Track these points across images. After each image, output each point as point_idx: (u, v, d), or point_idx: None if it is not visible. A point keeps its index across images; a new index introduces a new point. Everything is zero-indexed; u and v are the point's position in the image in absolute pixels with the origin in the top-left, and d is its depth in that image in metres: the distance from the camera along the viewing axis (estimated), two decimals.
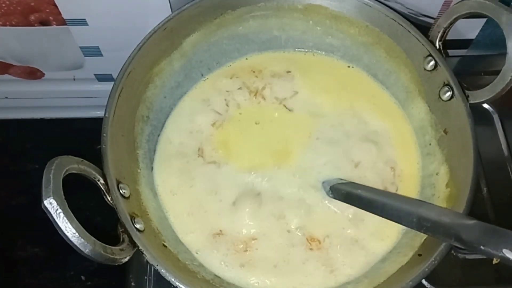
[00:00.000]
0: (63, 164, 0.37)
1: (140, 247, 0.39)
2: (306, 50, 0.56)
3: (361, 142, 0.51)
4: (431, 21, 0.55)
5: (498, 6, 0.42)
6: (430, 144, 0.49)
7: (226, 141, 0.51)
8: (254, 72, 0.55)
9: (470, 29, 0.57)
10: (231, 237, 0.47)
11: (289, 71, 0.55)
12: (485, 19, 0.55)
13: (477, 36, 0.58)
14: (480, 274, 0.51)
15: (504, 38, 0.41)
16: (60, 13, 0.52)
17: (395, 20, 0.49)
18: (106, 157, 0.42)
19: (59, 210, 0.34)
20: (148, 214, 0.45)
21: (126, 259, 0.38)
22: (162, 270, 0.39)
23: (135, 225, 0.41)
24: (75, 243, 0.34)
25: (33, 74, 0.63)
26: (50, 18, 0.53)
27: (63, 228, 0.34)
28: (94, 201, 0.40)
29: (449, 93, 0.46)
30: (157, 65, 0.50)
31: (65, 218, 0.34)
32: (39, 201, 0.34)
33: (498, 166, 0.58)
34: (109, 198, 0.41)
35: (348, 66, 0.55)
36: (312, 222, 0.47)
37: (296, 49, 0.56)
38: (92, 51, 0.58)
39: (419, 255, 0.42)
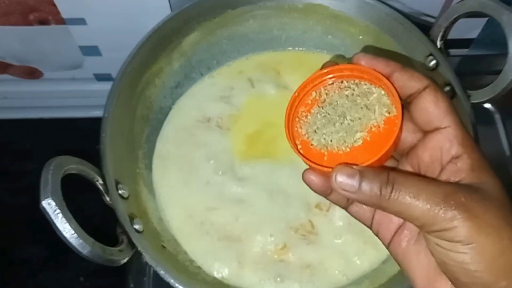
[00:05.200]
0: (61, 164, 0.36)
1: (139, 248, 0.39)
2: (307, 49, 0.56)
3: None
4: (432, 20, 0.54)
5: (499, 5, 0.42)
6: None
7: (227, 138, 0.51)
8: (254, 71, 0.55)
9: (471, 28, 0.57)
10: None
11: (289, 71, 0.55)
12: (486, 19, 0.55)
13: (478, 35, 0.58)
14: None
15: (505, 37, 0.41)
16: (59, 13, 0.52)
17: (396, 20, 0.49)
18: (105, 157, 0.42)
19: (58, 211, 0.34)
20: (147, 215, 0.45)
21: (125, 260, 0.38)
22: (161, 271, 0.39)
23: (134, 226, 0.41)
24: (74, 244, 0.34)
25: (32, 73, 0.62)
26: (49, 17, 0.53)
27: (61, 228, 0.34)
28: (93, 201, 0.40)
29: (450, 93, 0.46)
30: (156, 64, 0.50)
31: (63, 218, 0.34)
32: (39, 201, 0.34)
33: (499, 165, 0.58)
34: (108, 199, 0.41)
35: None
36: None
37: (297, 49, 0.56)
38: (91, 51, 0.58)
39: None
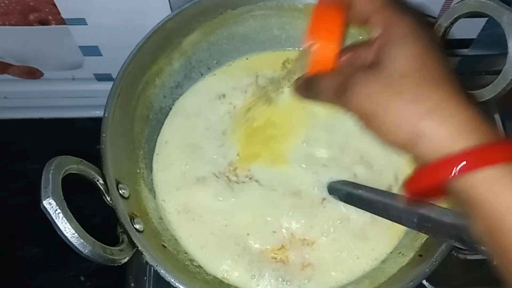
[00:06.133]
0: (62, 164, 0.37)
1: (140, 248, 0.39)
2: None
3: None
4: (432, 20, 0.54)
5: (499, 5, 0.42)
6: None
7: (227, 138, 0.51)
8: (254, 71, 0.55)
9: (471, 28, 0.57)
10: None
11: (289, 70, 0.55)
12: (486, 19, 0.55)
13: (478, 35, 0.58)
14: (481, 275, 0.51)
15: (505, 37, 0.41)
16: (59, 13, 0.52)
17: None
18: (106, 157, 0.42)
19: (58, 211, 0.34)
20: (147, 215, 0.45)
21: (126, 260, 0.38)
22: (162, 271, 0.39)
23: (135, 226, 0.41)
24: (74, 243, 0.34)
25: (32, 73, 0.63)
26: (49, 17, 0.53)
27: (62, 228, 0.34)
28: (94, 201, 0.40)
29: None
30: (156, 64, 0.50)
31: (64, 218, 0.34)
32: (39, 201, 0.34)
33: None
34: (108, 199, 0.41)
35: None
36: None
37: (297, 49, 0.56)
38: (92, 51, 0.58)
39: (420, 255, 0.42)
